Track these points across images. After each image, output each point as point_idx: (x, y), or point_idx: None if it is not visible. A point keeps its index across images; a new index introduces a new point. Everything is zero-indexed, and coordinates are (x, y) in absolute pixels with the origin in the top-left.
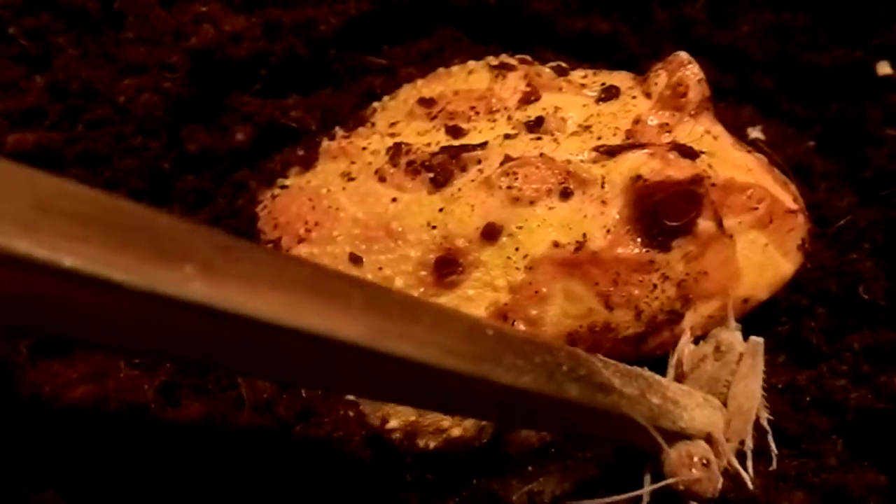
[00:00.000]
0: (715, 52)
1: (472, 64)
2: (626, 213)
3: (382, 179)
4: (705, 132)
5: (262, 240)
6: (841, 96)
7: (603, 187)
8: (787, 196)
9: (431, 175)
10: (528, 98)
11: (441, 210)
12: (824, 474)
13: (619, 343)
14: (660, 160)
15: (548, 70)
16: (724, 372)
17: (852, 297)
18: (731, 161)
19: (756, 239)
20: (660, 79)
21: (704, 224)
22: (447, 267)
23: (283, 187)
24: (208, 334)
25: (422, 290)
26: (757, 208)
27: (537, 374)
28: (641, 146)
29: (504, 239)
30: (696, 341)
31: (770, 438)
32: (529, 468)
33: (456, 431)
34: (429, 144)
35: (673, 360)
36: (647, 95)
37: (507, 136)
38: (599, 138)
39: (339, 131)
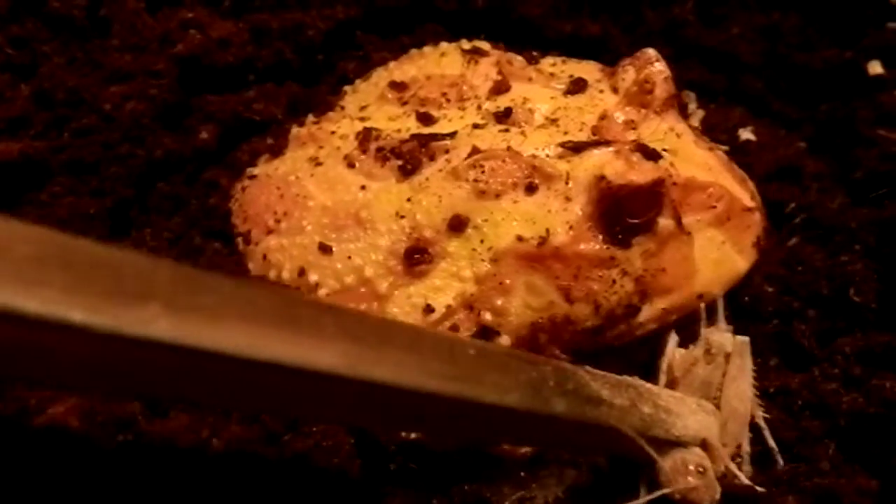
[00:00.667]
0: (705, 54)
1: (444, 46)
2: (588, 210)
3: (351, 165)
4: (669, 129)
5: (235, 234)
6: (832, 96)
7: (567, 183)
8: (745, 194)
9: (400, 162)
10: (499, 88)
11: (409, 200)
12: (816, 478)
13: (578, 335)
14: (624, 161)
15: (519, 58)
16: (716, 374)
17: (843, 299)
18: (692, 159)
19: (713, 237)
20: (627, 75)
21: (664, 222)
22: (416, 256)
23: (252, 177)
24: (178, 371)
25: (391, 279)
26: (716, 206)
27: (523, 391)
28: (607, 143)
29: (470, 231)
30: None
31: (768, 435)
32: (521, 474)
33: None
34: (399, 131)
35: (663, 366)
36: (615, 90)
37: (475, 126)
38: (566, 133)
39: (310, 117)
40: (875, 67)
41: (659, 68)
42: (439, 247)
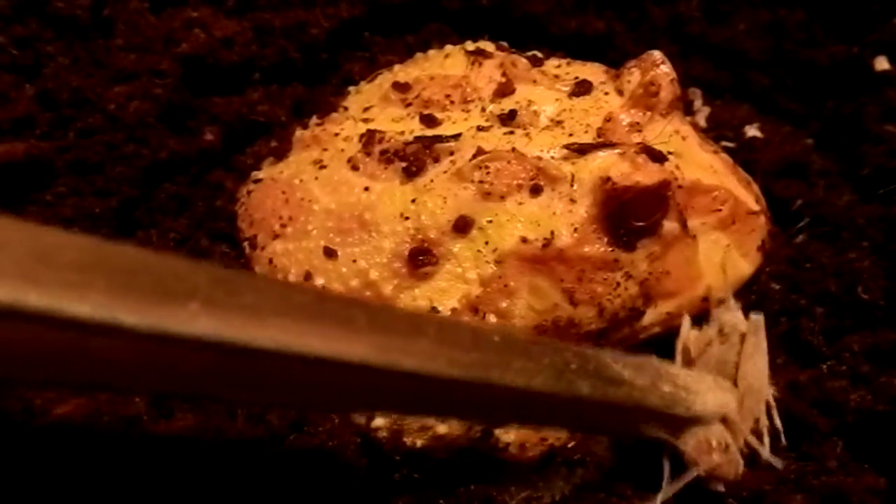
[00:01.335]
0: (711, 51)
1: (449, 48)
2: (593, 212)
3: (355, 168)
4: (674, 132)
5: (241, 238)
6: (838, 93)
7: (572, 185)
8: (749, 197)
9: (405, 164)
10: (503, 90)
11: (413, 201)
12: (824, 477)
13: (582, 338)
14: (629, 163)
15: (523, 60)
16: (731, 353)
17: (851, 296)
18: (697, 162)
19: (718, 240)
20: (633, 77)
21: (669, 225)
22: (421, 258)
23: (257, 181)
24: (218, 368)
25: (396, 281)
26: (720, 210)
27: (547, 374)
28: (612, 146)
29: (475, 232)
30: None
31: (775, 415)
32: (529, 473)
33: (441, 429)
34: (402, 133)
35: (679, 347)
36: (620, 92)
37: (480, 129)
38: (571, 135)
39: (313, 119)
40: (881, 63)
41: (665, 70)
42: (444, 248)
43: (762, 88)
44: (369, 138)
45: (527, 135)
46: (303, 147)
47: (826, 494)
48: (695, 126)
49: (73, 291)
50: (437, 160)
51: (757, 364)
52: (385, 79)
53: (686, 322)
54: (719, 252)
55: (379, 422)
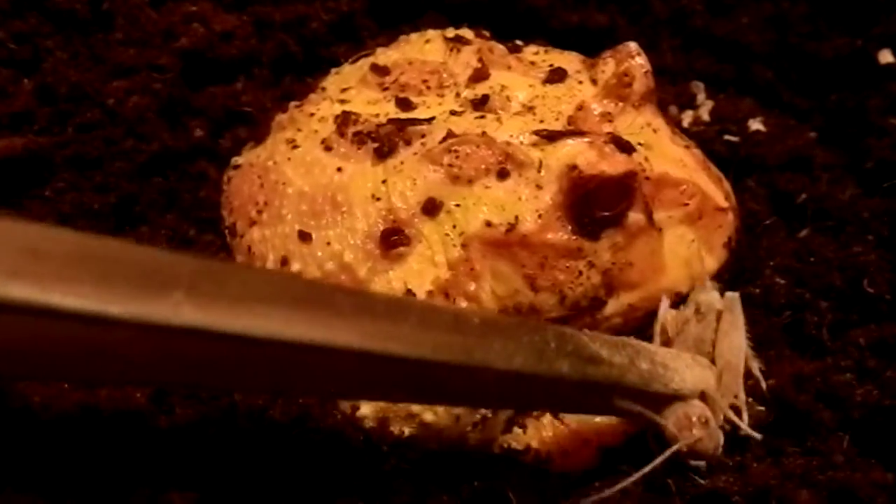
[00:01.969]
0: (714, 44)
1: (430, 33)
2: (559, 199)
3: (329, 149)
4: (646, 124)
5: (223, 227)
6: (842, 86)
7: (539, 171)
8: (718, 194)
9: (376, 145)
10: (478, 76)
11: (384, 182)
12: (830, 472)
13: None
14: (596, 152)
15: (500, 47)
16: (708, 332)
17: (857, 290)
18: (667, 155)
19: (684, 234)
20: (607, 67)
21: (635, 216)
22: (394, 238)
23: (236, 167)
24: (203, 357)
25: (370, 263)
26: (688, 204)
27: (527, 354)
28: (581, 134)
29: (443, 215)
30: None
31: (763, 386)
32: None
33: (428, 416)
34: (377, 115)
35: (657, 328)
36: (594, 82)
37: (453, 113)
38: (542, 121)
39: (292, 103)
40: (886, 56)
41: (639, 62)
42: (415, 229)
43: (766, 82)
44: (344, 119)
45: (497, 119)
46: (279, 129)
47: (833, 490)
48: (697, 119)
49: (60, 284)
50: (408, 143)
51: (734, 341)
52: (366, 61)
53: (664, 303)
54: (684, 246)
55: (365, 410)
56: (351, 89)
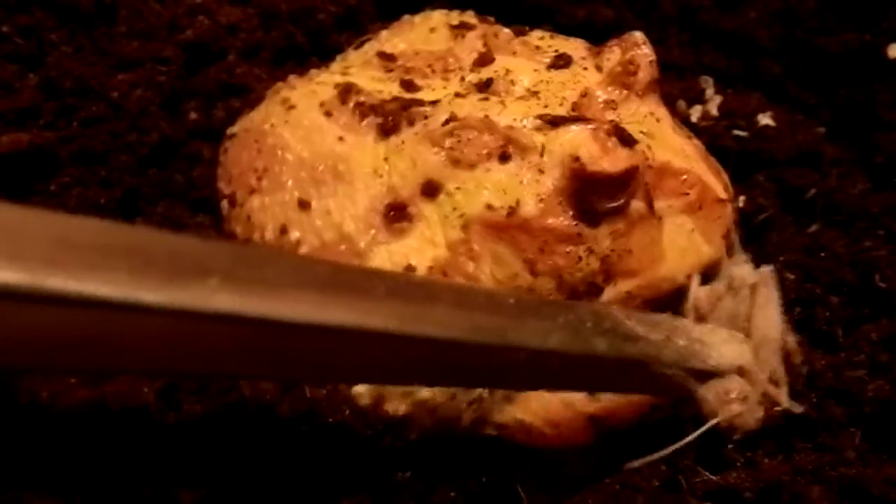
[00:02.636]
0: (722, 38)
1: (435, 18)
2: (560, 185)
3: (328, 114)
4: (649, 113)
5: (220, 198)
6: (851, 81)
7: (542, 156)
8: (718, 185)
9: (380, 121)
10: (482, 60)
11: (386, 160)
12: (842, 468)
13: None
14: (599, 146)
15: (505, 31)
16: (742, 306)
17: (868, 285)
18: (669, 145)
19: (683, 223)
20: (613, 55)
21: (636, 204)
22: (396, 213)
23: (232, 136)
24: (239, 344)
25: (372, 234)
26: (688, 194)
27: (563, 333)
28: (585, 121)
29: (442, 197)
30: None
31: (800, 357)
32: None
33: (424, 393)
34: (381, 92)
35: (689, 305)
36: (599, 69)
37: (457, 95)
38: (546, 106)
39: (292, 75)
40: (894, 51)
41: (645, 51)
42: (416, 208)
43: (774, 77)
44: (346, 88)
45: (501, 103)
46: (274, 93)
47: (845, 485)
48: (706, 114)
49: (95, 273)
50: (411, 123)
51: (769, 315)
52: (371, 46)
53: (695, 279)
54: (683, 236)
55: (360, 388)
56: (354, 68)
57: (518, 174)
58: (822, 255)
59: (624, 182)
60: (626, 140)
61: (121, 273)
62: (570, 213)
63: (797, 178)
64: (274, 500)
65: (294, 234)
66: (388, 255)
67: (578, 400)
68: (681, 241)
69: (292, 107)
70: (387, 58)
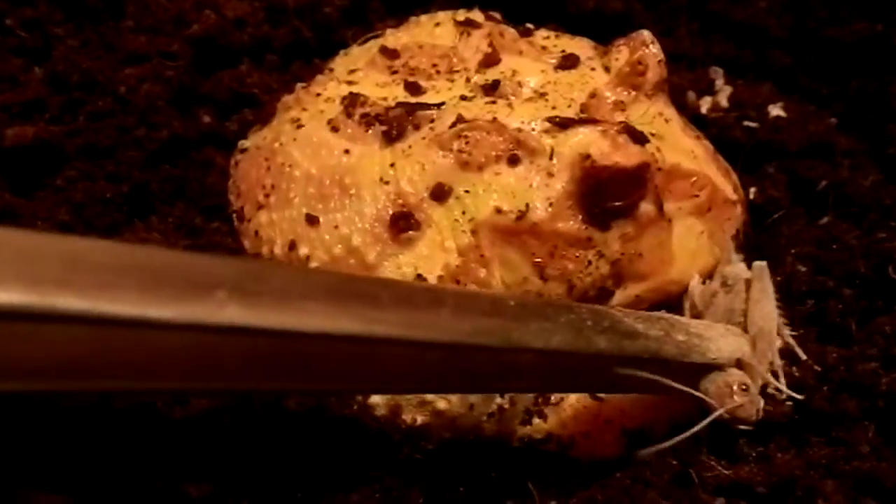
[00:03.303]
0: (732, 29)
1: (440, 15)
2: (570, 188)
3: (335, 129)
4: (658, 114)
5: (230, 211)
6: (862, 71)
7: (551, 159)
8: (728, 186)
9: (385, 128)
10: (489, 61)
11: (392, 166)
12: (856, 462)
13: None
14: (610, 143)
15: (511, 30)
16: (737, 302)
17: (881, 277)
18: (678, 146)
19: (693, 226)
20: (621, 55)
21: (646, 207)
22: (403, 222)
23: (243, 150)
24: (249, 357)
25: (379, 247)
26: (698, 196)
27: (564, 333)
28: (594, 122)
29: (452, 201)
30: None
31: (799, 352)
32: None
33: (441, 404)
34: (385, 99)
35: (686, 304)
36: (606, 69)
37: (463, 98)
38: (554, 108)
39: (299, 84)
40: None
41: (653, 51)
42: (424, 214)
43: (785, 67)
44: (351, 101)
45: (509, 105)
46: (284, 110)
47: (858, 479)
48: (716, 105)
49: (104, 291)
50: (417, 127)
51: (765, 308)
52: (375, 43)
53: (695, 279)
54: (693, 238)
55: (376, 399)
56: (359, 71)
57: (527, 177)
58: (835, 247)
59: (636, 178)
60: (637, 138)
61: (130, 291)
62: (580, 216)
63: (808, 170)
64: (281, 495)
65: (303, 250)
66: (397, 266)
67: (608, 409)
68: (690, 243)
69: (301, 126)
70: (390, 54)
